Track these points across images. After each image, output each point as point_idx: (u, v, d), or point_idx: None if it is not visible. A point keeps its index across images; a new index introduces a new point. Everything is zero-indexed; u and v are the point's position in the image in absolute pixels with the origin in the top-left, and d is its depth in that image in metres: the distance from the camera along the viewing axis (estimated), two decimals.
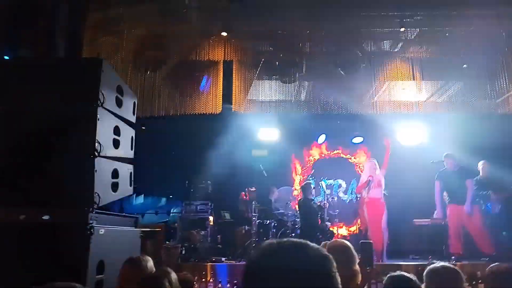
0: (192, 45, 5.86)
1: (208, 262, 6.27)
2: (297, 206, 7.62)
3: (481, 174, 6.99)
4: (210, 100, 5.97)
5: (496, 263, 2.56)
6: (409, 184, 8.75)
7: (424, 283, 2.38)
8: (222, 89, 6.00)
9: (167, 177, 9.34)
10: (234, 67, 6.10)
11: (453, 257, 6.52)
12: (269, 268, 0.92)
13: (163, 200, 10.14)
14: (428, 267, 2.44)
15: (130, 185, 3.69)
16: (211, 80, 5.88)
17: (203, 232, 7.35)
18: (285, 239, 1.00)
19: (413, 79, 6.11)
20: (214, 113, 6.00)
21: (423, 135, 8.76)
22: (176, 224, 7.86)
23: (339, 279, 0.95)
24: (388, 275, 2.32)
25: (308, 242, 0.99)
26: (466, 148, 7.83)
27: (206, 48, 5.88)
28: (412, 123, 7.90)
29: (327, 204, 7.48)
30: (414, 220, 7.94)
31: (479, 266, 5.69)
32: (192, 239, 7.11)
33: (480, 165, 7.02)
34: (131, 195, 7.89)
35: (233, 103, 6.04)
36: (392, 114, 6.22)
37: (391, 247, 7.58)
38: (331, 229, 7.42)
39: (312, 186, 7.66)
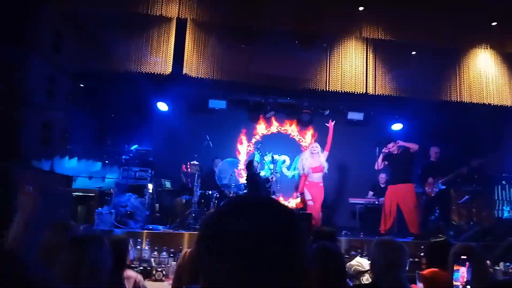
0: None
1: (144, 230, 6.04)
2: (244, 179, 7.63)
3: (431, 158, 7.46)
4: (159, 59, 5.57)
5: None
6: (348, 164, 9.10)
7: (372, 253, 2.55)
8: (174, 49, 5.62)
9: (105, 141, 8.80)
10: (188, 26, 5.72)
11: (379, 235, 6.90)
12: (232, 224, 0.80)
13: (99, 164, 9.55)
14: (376, 239, 2.68)
15: (64, 140, 3.32)
16: None
17: (141, 199, 7.05)
18: (247, 195, 0.90)
19: (366, 60, 6.21)
20: (162, 73, 5.62)
21: (368, 117, 9.14)
22: (111, 190, 7.46)
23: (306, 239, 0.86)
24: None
25: (272, 198, 0.90)
26: (412, 131, 8.30)
27: (158, 2, 5.44)
28: (360, 103, 8.15)
29: (274, 178, 7.56)
30: (349, 198, 8.26)
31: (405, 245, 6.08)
32: (129, 205, 6.78)
33: (432, 150, 7.47)
34: (63, 156, 7.33)
35: (184, 65, 5.69)
36: (342, 93, 6.29)
37: (326, 223, 7.86)
38: None
39: (257, 161, 7.68)
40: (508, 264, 4.18)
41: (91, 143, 8.69)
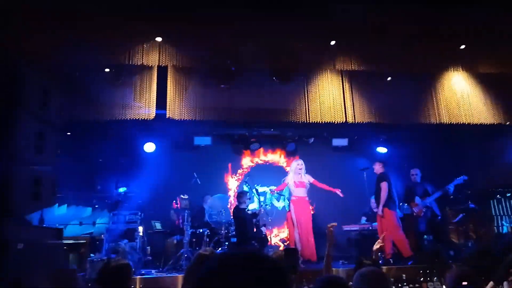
0: (125, 49, 5.63)
1: (137, 275, 5.97)
2: (231, 215, 7.63)
3: (412, 180, 7.55)
4: (143, 105, 5.76)
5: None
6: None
7: (353, 286, 2.43)
8: (156, 94, 5.83)
9: (93, 186, 8.80)
10: (169, 72, 5.95)
11: (380, 261, 6.83)
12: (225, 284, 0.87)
13: (89, 210, 9.48)
14: (357, 271, 2.48)
15: (54, 194, 3.39)
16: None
17: (132, 244, 7.00)
18: (236, 252, 0.97)
19: (343, 90, 6.45)
20: (146, 119, 5.79)
21: (352, 142, 9.29)
22: (102, 236, 7.39)
23: None
24: (318, 279, 2.30)
25: (260, 253, 0.96)
26: (395, 156, 8.41)
27: (139, 52, 5.68)
28: (343, 129, 8.30)
29: (262, 210, 7.56)
30: (343, 225, 8.23)
31: (404, 270, 5.98)
32: (121, 251, 6.71)
33: (411, 171, 7.59)
34: (52, 205, 7.30)
35: (167, 109, 5.87)
36: (323, 123, 6.48)
37: (321, 253, 7.78)
38: (266, 235, 7.50)
39: (248, 194, 7.72)
40: None
41: (80, 189, 8.68)
